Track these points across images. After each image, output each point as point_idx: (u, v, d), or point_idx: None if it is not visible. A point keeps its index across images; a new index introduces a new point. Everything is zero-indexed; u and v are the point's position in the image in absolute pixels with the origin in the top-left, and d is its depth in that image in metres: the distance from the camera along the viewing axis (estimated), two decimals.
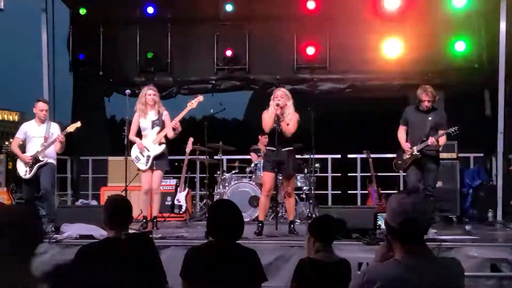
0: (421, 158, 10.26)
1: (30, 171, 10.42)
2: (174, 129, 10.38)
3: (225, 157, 14.07)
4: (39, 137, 10.60)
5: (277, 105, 9.46)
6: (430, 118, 10.25)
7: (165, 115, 10.52)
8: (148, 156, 10.36)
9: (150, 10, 15.21)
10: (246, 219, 10.04)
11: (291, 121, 9.58)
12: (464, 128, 13.18)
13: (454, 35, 14.12)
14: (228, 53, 15.04)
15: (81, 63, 15.50)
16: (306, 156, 12.74)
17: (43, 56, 14.39)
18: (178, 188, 13.04)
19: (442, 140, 10.23)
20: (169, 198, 12.98)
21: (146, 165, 10.39)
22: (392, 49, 14.18)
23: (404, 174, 10.97)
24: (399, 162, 10.53)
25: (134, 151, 10.53)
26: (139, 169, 10.59)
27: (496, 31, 12.91)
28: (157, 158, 10.39)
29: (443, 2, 14.12)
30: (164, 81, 14.98)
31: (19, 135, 10.78)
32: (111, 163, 13.82)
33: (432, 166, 10.34)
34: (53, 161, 10.71)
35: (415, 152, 10.22)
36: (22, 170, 10.49)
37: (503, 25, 12.60)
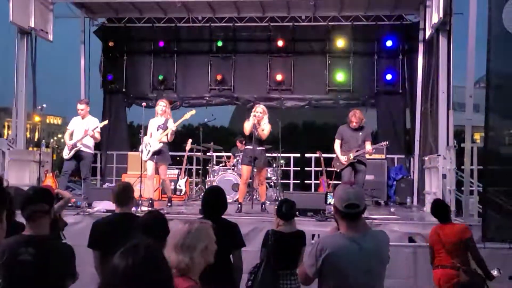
0: (354, 162, 10.19)
1: (69, 153, 10.26)
2: (171, 133, 10.15)
3: (214, 154, 14.04)
4: (80, 129, 10.27)
5: (255, 115, 9.52)
6: (360, 134, 10.16)
7: (170, 121, 10.27)
8: (149, 151, 10.18)
9: (161, 44, 15.20)
10: (229, 201, 10.07)
11: (266, 127, 9.60)
12: (391, 136, 13.31)
13: (385, 67, 14.25)
14: (218, 77, 15.04)
15: (109, 82, 15.39)
16: (274, 154, 12.75)
17: (81, 77, 14.35)
18: (179, 176, 13.02)
19: (372, 150, 10.23)
20: (172, 184, 12.95)
21: (146, 156, 10.21)
22: (341, 78, 14.35)
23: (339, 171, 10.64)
24: (337, 163, 10.37)
25: (142, 146, 10.35)
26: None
27: (415, 66, 13.04)
28: (158, 153, 10.18)
29: (378, 43, 14.24)
30: (171, 97, 14.89)
31: (69, 126, 10.59)
32: (130, 157, 13.70)
33: (362, 168, 10.25)
34: (90, 151, 10.40)
35: (351, 157, 10.12)
36: (66, 153, 10.35)
37: (420, 61, 12.72)
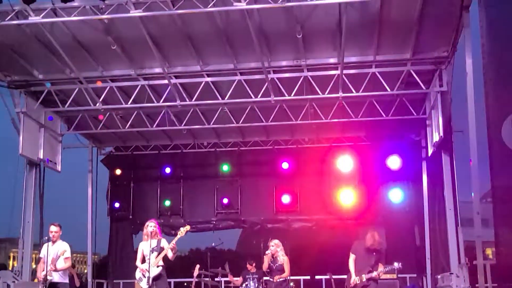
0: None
1: None
2: (172, 249, 9.60)
3: (223, 279, 13.81)
4: (50, 258, 9.51)
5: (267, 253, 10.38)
6: (374, 254, 9.75)
7: (163, 241, 9.80)
8: (149, 277, 9.48)
9: (167, 170, 15.52)
10: None
11: (284, 261, 10.40)
12: (401, 255, 13.12)
13: (392, 187, 14.23)
14: (225, 201, 15.22)
15: (116, 210, 15.55)
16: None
17: (88, 204, 14.46)
18: None
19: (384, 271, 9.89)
20: None
21: (147, 284, 9.48)
22: (347, 198, 14.34)
23: None
24: (350, 286, 9.87)
25: (138, 273, 9.77)
26: None
27: (419, 185, 13.14)
28: (157, 279, 9.56)
29: (384, 164, 14.16)
30: (177, 222, 14.92)
31: (41, 253, 9.81)
32: (137, 285, 13.45)
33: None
34: (65, 280, 9.77)
35: (364, 280, 9.65)
36: None
37: (424, 179, 12.85)
